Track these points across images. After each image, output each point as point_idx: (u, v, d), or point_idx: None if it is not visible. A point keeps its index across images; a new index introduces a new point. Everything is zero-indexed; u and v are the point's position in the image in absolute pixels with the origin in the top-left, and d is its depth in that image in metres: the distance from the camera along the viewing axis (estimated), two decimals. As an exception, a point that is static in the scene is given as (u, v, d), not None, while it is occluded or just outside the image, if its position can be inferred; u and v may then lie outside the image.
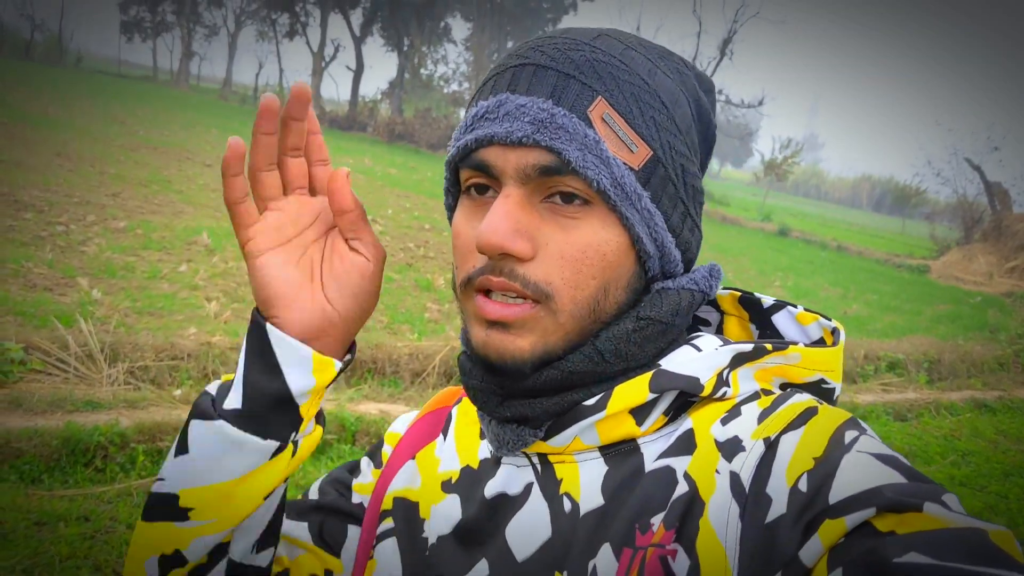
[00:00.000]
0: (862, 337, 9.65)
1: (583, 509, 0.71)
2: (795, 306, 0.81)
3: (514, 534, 0.74)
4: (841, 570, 0.52)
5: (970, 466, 5.92)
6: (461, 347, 0.80)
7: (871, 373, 8.17)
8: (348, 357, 0.81)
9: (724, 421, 0.69)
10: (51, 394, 4.06)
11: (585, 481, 0.72)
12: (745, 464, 0.64)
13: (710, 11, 34.51)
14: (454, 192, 0.78)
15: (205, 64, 74.53)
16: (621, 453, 0.72)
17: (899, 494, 0.54)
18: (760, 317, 0.83)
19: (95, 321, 5.37)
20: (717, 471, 0.65)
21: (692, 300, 0.76)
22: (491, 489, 0.78)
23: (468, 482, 0.82)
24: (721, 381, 0.72)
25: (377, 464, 0.95)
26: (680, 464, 0.68)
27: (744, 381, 0.73)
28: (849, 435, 0.62)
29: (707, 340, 0.75)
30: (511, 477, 0.77)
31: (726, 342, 0.75)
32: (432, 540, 0.81)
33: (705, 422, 0.70)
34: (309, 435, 0.80)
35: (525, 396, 0.73)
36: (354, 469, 0.97)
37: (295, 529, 0.92)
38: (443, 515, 0.81)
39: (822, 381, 0.75)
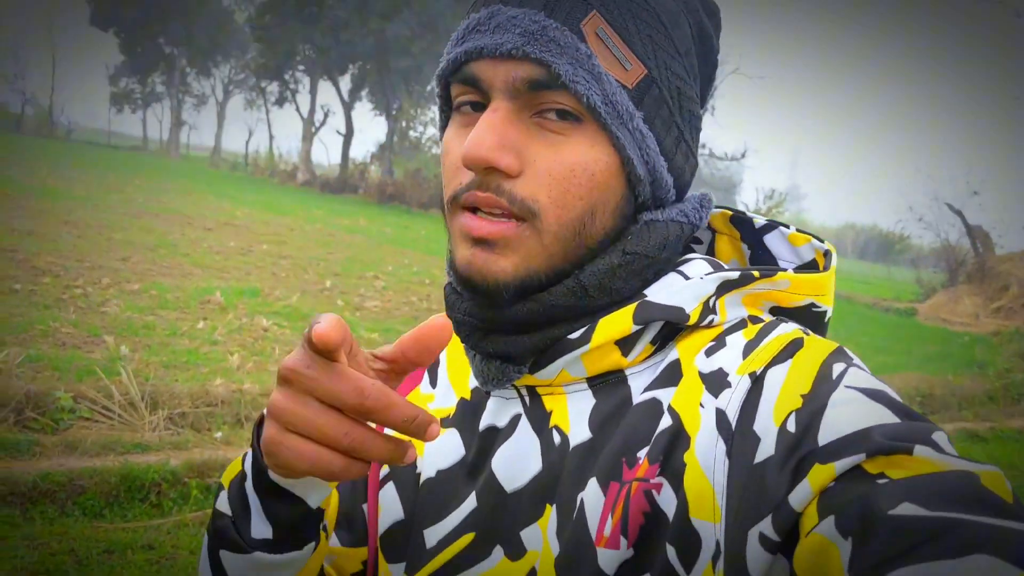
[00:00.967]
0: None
1: (572, 442, 0.71)
2: (787, 226, 0.81)
3: (501, 466, 0.74)
4: (833, 519, 0.52)
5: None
6: (447, 275, 0.79)
7: (866, 408, 8.45)
8: None
9: (708, 352, 0.69)
10: (103, 438, 4.33)
11: (574, 414, 0.72)
12: (731, 401, 0.63)
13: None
14: (446, 110, 0.77)
15: (194, 133, 75.48)
16: (609, 385, 0.72)
17: (889, 437, 0.54)
18: (752, 236, 0.82)
19: (100, 372, 5.66)
20: (701, 405, 0.65)
21: (681, 233, 0.75)
22: (483, 422, 0.78)
23: (465, 415, 0.82)
24: (708, 309, 0.71)
25: None
26: (665, 396, 0.68)
27: (731, 308, 0.72)
28: (837, 368, 0.62)
29: (695, 266, 0.74)
30: (500, 409, 0.77)
31: (715, 267, 0.74)
32: (427, 474, 0.80)
33: (690, 352, 0.70)
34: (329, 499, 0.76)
35: (507, 331, 0.73)
36: None
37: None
38: (442, 450, 0.81)
39: (812, 305, 0.75)
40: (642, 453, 0.66)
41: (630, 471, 0.65)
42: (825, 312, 0.76)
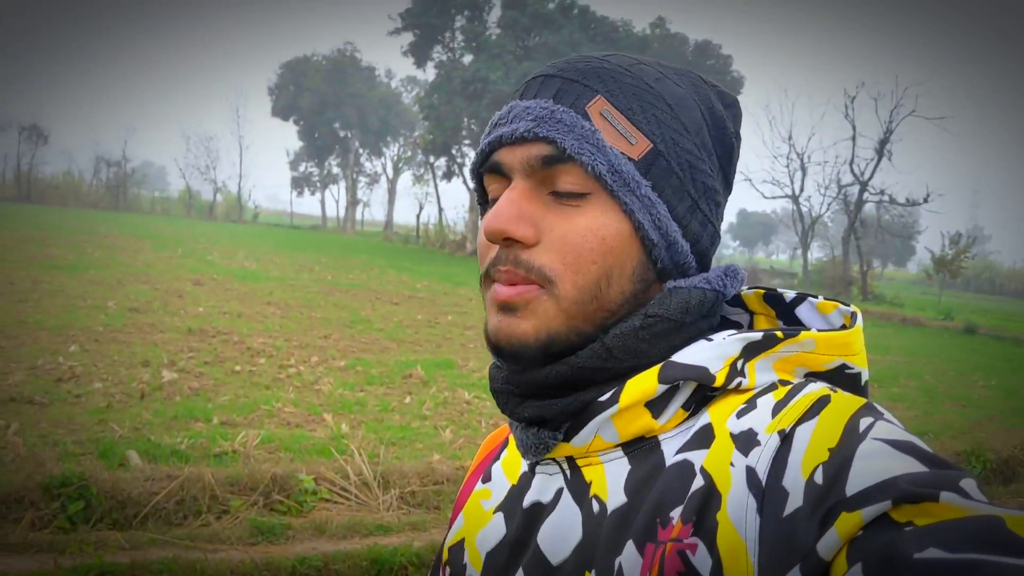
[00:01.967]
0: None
1: (609, 508, 0.72)
2: (816, 296, 0.82)
3: (546, 539, 0.76)
4: (860, 565, 0.53)
5: None
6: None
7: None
8: None
9: (739, 414, 0.70)
10: (347, 520, 4.46)
11: (611, 481, 0.74)
12: (761, 458, 0.64)
13: (864, 114, 34.22)
14: (483, 204, 0.84)
15: (366, 209, 79.24)
16: (643, 451, 0.73)
17: (915, 484, 0.54)
18: (785, 312, 0.84)
19: (350, 453, 5.84)
20: (732, 464, 0.66)
21: (704, 298, 0.77)
22: (527, 500, 0.81)
23: (511, 498, 0.85)
24: (735, 371, 0.72)
25: None
26: (697, 458, 0.69)
27: (761, 372, 0.74)
28: (864, 422, 0.62)
29: (722, 334, 0.76)
30: (544, 485, 0.80)
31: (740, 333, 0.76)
32: (477, 573, 0.84)
33: (722, 415, 0.71)
34: None
35: (540, 396, 0.76)
36: None
37: None
38: (490, 535, 0.84)
39: (844, 367, 0.75)
40: (675, 513, 0.66)
41: (664, 531, 0.66)
42: (859, 374, 0.76)
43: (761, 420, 0.67)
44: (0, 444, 5.11)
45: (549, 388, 0.75)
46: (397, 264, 29.06)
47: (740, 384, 0.72)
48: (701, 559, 0.63)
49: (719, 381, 0.71)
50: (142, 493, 4.40)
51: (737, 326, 0.87)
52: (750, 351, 0.73)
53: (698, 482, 0.67)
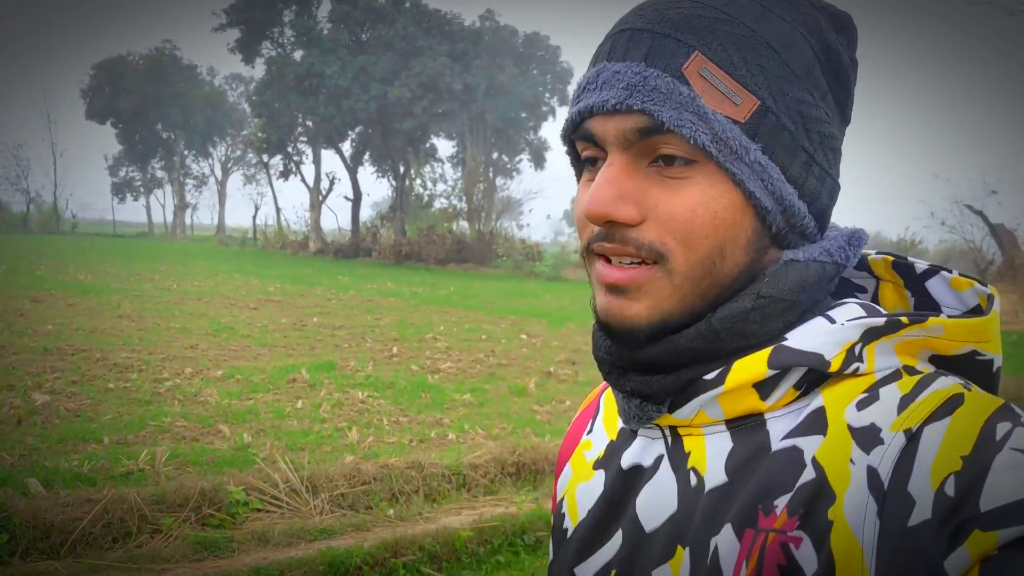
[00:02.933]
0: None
1: (707, 485, 0.70)
2: (949, 271, 0.77)
3: (643, 505, 0.75)
4: None
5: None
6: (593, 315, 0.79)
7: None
8: None
9: (860, 405, 0.66)
10: (287, 528, 4.37)
11: (711, 455, 0.71)
12: (884, 458, 0.61)
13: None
14: (576, 165, 0.79)
15: (194, 213, 76.20)
16: (747, 428, 0.71)
17: None
18: (914, 283, 0.79)
19: (269, 461, 5.72)
20: (852, 461, 0.62)
21: (823, 273, 0.73)
22: (627, 460, 0.79)
23: (610, 454, 0.83)
24: (852, 356, 0.68)
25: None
26: (808, 445, 0.66)
27: (882, 356, 0.69)
28: (1001, 428, 0.58)
29: (845, 310, 0.72)
30: (645, 448, 0.78)
31: (868, 312, 0.71)
32: (581, 516, 0.83)
33: (839, 402, 0.67)
34: None
35: (642, 371, 0.74)
36: None
37: None
38: (589, 491, 0.83)
39: (975, 353, 0.70)
40: (780, 502, 0.64)
41: (766, 519, 0.64)
42: (992, 361, 0.71)
43: (885, 415, 0.63)
44: None
45: (650, 364, 0.73)
46: (241, 268, 28.18)
47: (858, 369, 0.68)
48: (805, 555, 0.61)
49: (834, 367, 0.67)
50: (65, 520, 4.17)
51: (861, 291, 0.82)
52: (870, 335, 0.68)
53: (808, 473, 0.64)
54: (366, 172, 42.61)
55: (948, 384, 0.64)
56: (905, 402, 0.63)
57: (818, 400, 0.68)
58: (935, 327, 0.68)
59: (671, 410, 0.73)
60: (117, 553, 4.08)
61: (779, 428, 0.69)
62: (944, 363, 0.70)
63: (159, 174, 67.93)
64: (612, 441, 0.84)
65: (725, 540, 0.66)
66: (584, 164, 0.75)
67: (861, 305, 0.72)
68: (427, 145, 42.39)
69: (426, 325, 14.53)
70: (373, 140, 40.37)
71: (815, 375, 0.69)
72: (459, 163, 42.62)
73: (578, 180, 0.79)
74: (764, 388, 0.69)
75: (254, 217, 52.01)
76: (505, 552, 4.46)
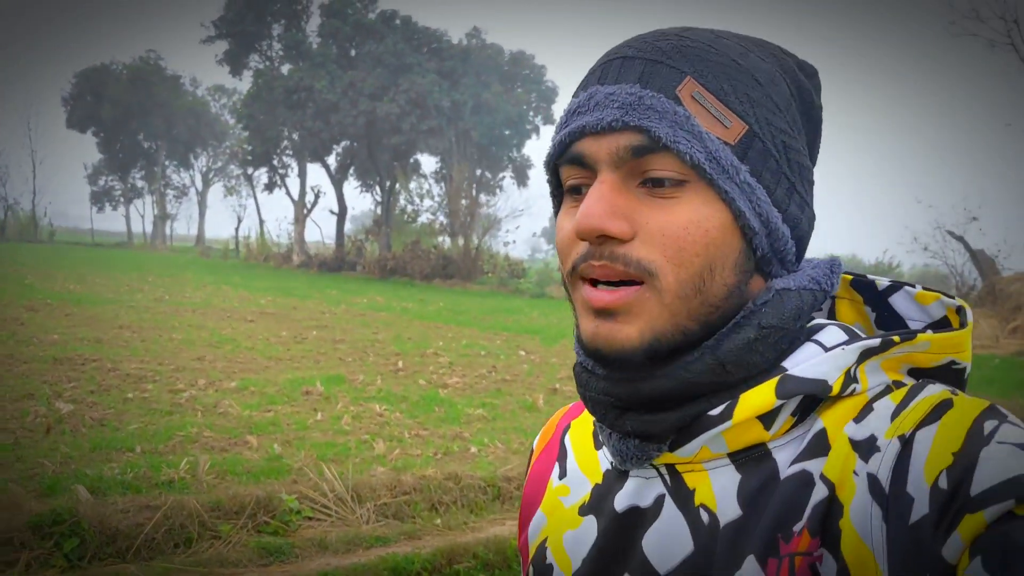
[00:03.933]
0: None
1: (722, 521, 0.70)
2: (913, 286, 0.79)
3: (652, 548, 0.74)
4: (980, 558, 0.54)
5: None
6: (576, 353, 0.80)
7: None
8: None
9: (858, 420, 0.68)
10: (343, 535, 4.53)
11: (719, 490, 0.71)
12: (882, 464, 0.63)
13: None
14: (557, 195, 0.80)
15: (174, 224, 75.83)
16: (753, 459, 0.71)
17: None
18: (875, 299, 0.82)
19: (303, 473, 5.87)
20: (855, 472, 0.64)
21: (814, 301, 0.75)
22: (621, 502, 0.78)
23: (598, 498, 0.82)
24: (849, 379, 0.70)
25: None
26: (816, 467, 0.67)
27: (872, 374, 0.71)
28: (988, 425, 0.61)
29: (830, 334, 0.74)
30: (640, 489, 0.77)
31: (851, 336, 0.73)
32: (574, 566, 0.82)
33: (837, 421, 0.69)
34: None
35: (645, 409, 0.73)
36: None
37: None
38: (581, 539, 0.81)
39: (951, 363, 0.73)
40: (798, 527, 0.65)
41: (787, 546, 0.65)
42: (964, 368, 0.74)
43: (880, 425, 0.66)
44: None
45: (654, 400, 0.72)
46: (227, 280, 28.18)
47: (855, 390, 0.70)
48: (828, 569, 0.63)
49: (835, 391, 0.69)
50: (129, 525, 4.30)
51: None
52: (864, 356, 0.71)
53: (820, 492, 0.65)
54: (350, 186, 42.59)
55: (937, 391, 0.67)
56: (898, 411, 0.66)
57: (818, 424, 0.70)
58: (923, 343, 0.71)
59: (672, 448, 0.73)
60: (180, 557, 4.22)
61: (785, 456, 0.70)
62: (921, 374, 0.73)
63: (139, 184, 67.69)
64: (597, 484, 0.83)
65: (749, 573, 0.66)
66: (568, 192, 0.76)
67: (840, 327, 0.75)
68: (412, 160, 42.59)
69: (424, 340, 14.68)
70: (359, 154, 40.50)
71: (809, 400, 0.71)
72: (442, 179, 42.82)
73: (556, 209, 0.80)
74: (767, 419, 0.71)
75: (237, 229, 51.98)
76: (552, 561, 4.63)
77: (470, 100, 38.06)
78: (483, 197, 39.69)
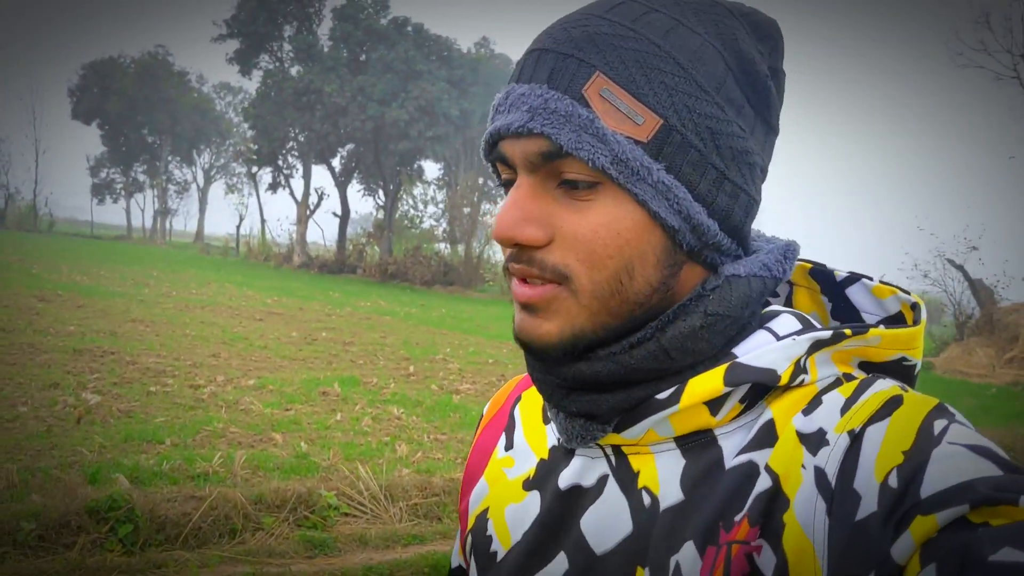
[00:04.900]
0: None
1: (663, 504, 0.70)
2: (870, 278, 0.79)
3: (591, 527, 0.74)
4: (934, 566, 0.53)
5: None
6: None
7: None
8: None
9: (806, 412, 0.67)
10: (380, 532, 4.71)
11: (663, 474, 0.71)
12: (830, 459, 0.63)
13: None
14: (503, 186, 0.78)
15: (174, 219, 75.99)
16: (699, 445, 0.71)
17: (993, 489, 0.54)
18: (832, 289, 0.81)
19: (319, 471, 6.04)
20: (803, 466, 0.64)
21: (763, 288, 0.74)
22: (564, 480, 0.77)
23: (543, 474, 0.81)
24: (799, 369, 0.69)
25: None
26: (761, 458, 0.67)
27: (822, 366, 0.71)
28: (938, 424, 0.61)
29: (783, 322, 0.74)
30: (585, 468, 0.77)
31: (803, 323, 0.73)
32: (514, 538, 0.81)
33: (785, 412, 0.69)
34: None
35: (589, 390, 0.73)
36: None
37: None
38: (522, 513, 0.81)
39: (903, 359, 0.73)
40: (739, 516, 0.65)
41: (727, 534, 0.65)
42: (915, 366, 0.75)
43: (829, 419, 0.65)
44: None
45: (598, 383, 0.72)
46: (230, 278, 28.31)
47: (803, 380, 0.70)
48: (766, 560, 0.63)
49: (784, 380, 0.69)
50: (178, 514, 4.47)
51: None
52: (814, 348, 0.70)
53: (763, 482, 0.65)
54: (352, 189, 42.71)
55: (887, 386, 0.67)
56: (847, 405, 0.66)
57: (767, 413, 0.69)
58: (874, 337, 0.71)
59: (618, 429, 0.73)
60: (228, 547, 4.38)
61: (731, 444, 0.70)
62: (872, 368, 0.73)
63: (141, 178, 67.79)
64: (543, 460, 0.83)
65: (687, 557, 0.66)
66: (504, 186, 0.76)
67: (794, 315, 0.74)
68: (416, 166, 42.78)
69: (431, 346, 14.85)
70: (364, 158, 40.69)
71: (758, 388, 0.70)
72: (444, 185, 43.02)
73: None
74: (715, 404, 0.70)
75: (238, 227, 52.07)
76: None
77: (478, 109, 38.27)
78: (485, 206, 39.86)
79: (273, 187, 44.63)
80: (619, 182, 0.67)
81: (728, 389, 0.68)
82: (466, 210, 36.79)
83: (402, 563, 4.26)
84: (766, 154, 0.76)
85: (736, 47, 0.72)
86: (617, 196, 0.68)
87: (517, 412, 0.91)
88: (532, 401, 0.91)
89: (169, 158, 65.03)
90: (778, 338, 0.71)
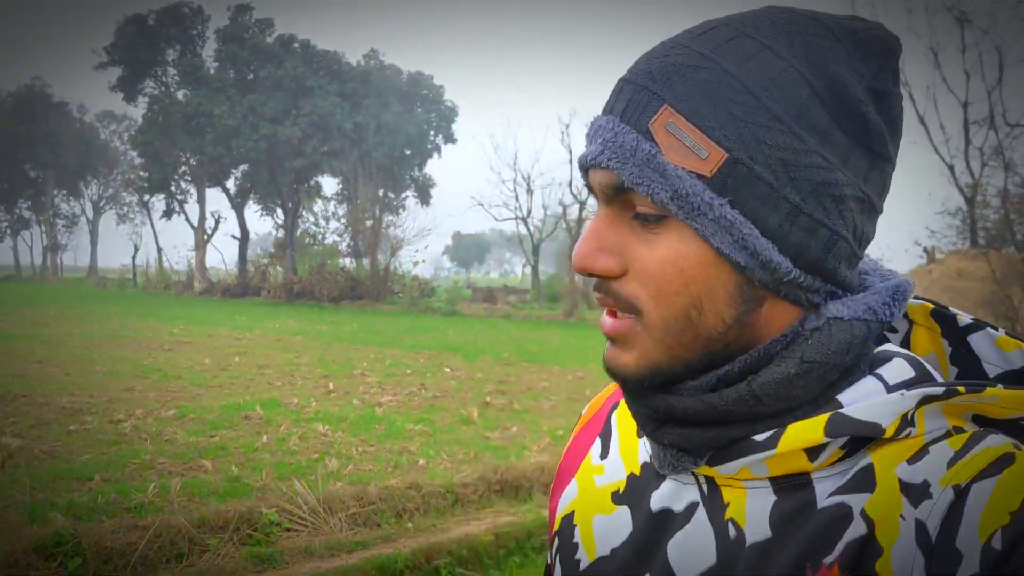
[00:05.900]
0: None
1: (748, 539, 0.69)
2: (996, 328, 0.75)
3: (676, 553, 0.73)
4: None
5: None
6: None
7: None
8: None
9: (911, 461, 0.64)
10: (324, 542, 4.90)
11: (752, 509, 0.70)
12: (932, 512, 0.60)
13: (579, 139, 37.34)
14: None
15: (63, 254, 73.43)
16: (792, 486, 0.69)
17: None
18: (954, 334, 0.76)
19: (254, 493, 6.19)
20: (902, 516, 0.62)
21: (868, 333, 0.70)
22: (656, 502, 0.77)
23: (634, 490, 0.81)
24: (906, 423, 0.65)
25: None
26: (856, 502, 0.64)
27: (931, 418, 0.67)
28: None
29: (895, 368, 0.70)
30: (676, 492, 0.76)
31: (916, 371, 0.69)
32: (600, 552, 0.81)
33: (888, 460, 0.65)
34: None
35: (681, 423, 0.72)
36: None
37: None
38: (613, 529, 0.80)
39: (1021, 419, 0.68)
40: (829, 559, 0.63)
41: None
42: None
43: (935, 471, 0.63)
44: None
45: (689, 419, 0.71)
46: (132, 310, 27.70)
47: (909, 434, 0.66)
48: None
49: (888, 434, 0.65)
50: (123, 544, 4.58)
51: (893, 331, 0.80)
52: (925, 402, 0.66)
53: (857, 528, 0.63)
54: (250, 210, 42.16)
55: (999, 443, 0.63)
56: (956, 458, 0.63)
57: (866, 459, 0.67)
58: (991, 396, 0.67)
59: (711, 463, 0.72)
60: (176, 571, 4.52)
61: (825, 487, 0.67)
62: (988, 424, 0.69)
63: (26, 214, 65.31)
64: (634, 474, 0.82)
65: None
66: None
67: (908, 361, 0.70)
68: (313, 182, 42.52)
69: (347, 362, 14.95)
70: (259, 178, 40.22)
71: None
72: (344, 200, 42.86)
73: None
74: (813, 451, 0.68)
75: (134, 257, 50.59)
76: (518, 554, 5.11)
77: (372, 121, 38.31)
78: (387, 217, 39.90)
79: (167, 214, 43.69)
80: (680, 217, 0.66)
81: (828, 440, 0.66)
82: (368, 223, 36.78)
83: (350, 568, 4.47)
84: (871, 185, 0.70)
85: (826, 69, 0.67)
86: (683, 231, 0.67)
87: (614, 419, 0.91)
88: (628, 410, 0.89)
89: (55, 192, 62.88)
90: (888, 387, 0.68)
